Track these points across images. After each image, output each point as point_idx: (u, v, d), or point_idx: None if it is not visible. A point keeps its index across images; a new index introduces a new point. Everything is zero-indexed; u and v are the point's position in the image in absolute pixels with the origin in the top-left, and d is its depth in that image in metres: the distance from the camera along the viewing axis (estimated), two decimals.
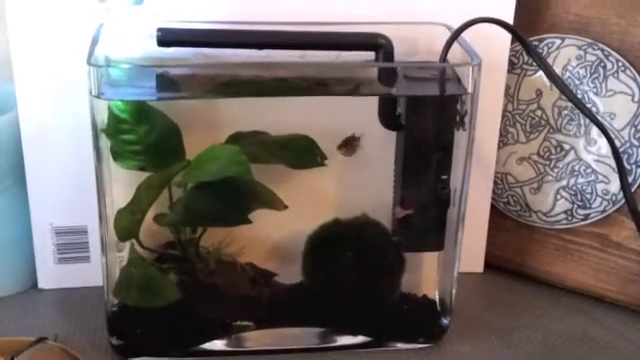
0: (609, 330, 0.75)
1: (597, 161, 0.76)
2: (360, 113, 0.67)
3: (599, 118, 0.72)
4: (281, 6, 0.69)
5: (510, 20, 0.72)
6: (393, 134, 0.66)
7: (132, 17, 0.69)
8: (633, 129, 0.73)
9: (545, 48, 0.76)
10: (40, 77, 0.70)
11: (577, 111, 0.75)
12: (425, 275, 0.72)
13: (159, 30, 0.64)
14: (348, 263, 0.70)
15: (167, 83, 0.64)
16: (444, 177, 0.66)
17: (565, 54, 0.75)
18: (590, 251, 0.78)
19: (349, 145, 0.65)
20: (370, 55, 0.66)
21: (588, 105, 0.74)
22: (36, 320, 0.73)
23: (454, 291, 0.71)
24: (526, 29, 0.73)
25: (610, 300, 0.78)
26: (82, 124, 0.64)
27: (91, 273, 0.73)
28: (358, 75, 0.68)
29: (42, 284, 0.77)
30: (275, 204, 0.65)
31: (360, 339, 0.71)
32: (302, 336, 0.70)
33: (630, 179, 0.73)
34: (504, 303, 0.78)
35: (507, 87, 0.77)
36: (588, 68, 0.74)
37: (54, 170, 0.72)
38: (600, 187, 0.76)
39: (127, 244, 0.66)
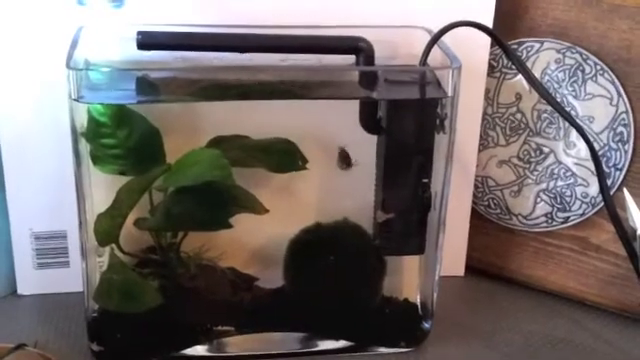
0: (589, 332, 0.75)
1: (576, 164, 0.76)
2: (341, 117, 0.67)
3: (578, 121, 0.73)
4: (262, 9, 0.69)
5: (489, 24, 0.72)
6: (374, 138, 0.66)
7: (112, 20, 0.69)
8: (612, 132, 0.74)
9: (524, 52, 0.76)
10: (19, 80, 0.69)
11: (556, 114, 0.75)
12: (406, 279, 0.72)
13: (139, 33, 0.64)
14: (329, 267, 0.70)
15: (147, 87, 0.63)
16: (425, 181, 0.66)
17: (544, 58, 0.76)
18: (570, 254, 0.78)
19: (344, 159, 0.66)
20: (351, 59, 0.66)
21: (567, 108, 0.74)
22: (15, 326, 0.72)
23: (435, 295, 0.71)
24: (505, 33, 0.74)
25: (590, 303, 0.78)
26: (61, 128, 0.64)
27: (71, 278, 0.73)
28: (339, 79, 0.68)
29: (21, 290, 0.76)
30: (256, 208, 0.65)
31: (342, 343, 0.71)
32: (284, 341, 0.70)
33: (609, 182, 0.74)
34: (485, 306, 0.79)
35: (487, 90, 0.77)
36: (567, 72, 0.75)
37: (33, 175, 0.72)
38: (579, 190, 0.76)
39: (107, 249, 0.65)
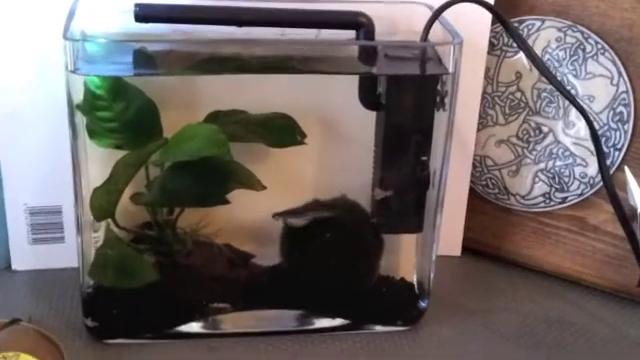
0: (585, 313, 0.75)
1: (575, 144, 0.76)
2: (340, 92, 0.66)
3: (578, 101, 0.72)
4: None
5: (491, 0, 0.71)
6: (373, 114, 0.66)
7: None
8: (612, 112, 0.74)
9: (525, 30, 0.75)
10: (14, 52, 0.68)
11: (556, 93, 0.75)
12: (403, 258, 0.72)
13: (137, 5, 0.63)
14: (326, 245, 0.69)
15: (144, 59, 0.63)
16: (424, 158, 0.66)
17: (545, 36, 0.75)
18: (567, 234, 0.78)
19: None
20: (351, 34, 0.65)
21: (567, 88, 0.74)
22: (10, 301, 0.72)
23: (432, 274, 0.71)
24: (506, 10, 0.73)
25: (587, 283, 0.78)
26: (57, 101, 0.63)
27: (66, 254, 0.72)
28: (338, 54, 0.67)
29: (16, 265, 0.76)
30: (253, 184, 0.64)
31: (338, 322, 0.70)
32: (280, 318, 0.70)
33: (608, 162, 0.73)
34: (481, 286, 0.78)
35: (487, 69, 0.76)
36: (568, 50, 0.74)
37: (28, 149, 0.71)
38: (578, 170, 0.76)
39: (103, 224, 0.65)
